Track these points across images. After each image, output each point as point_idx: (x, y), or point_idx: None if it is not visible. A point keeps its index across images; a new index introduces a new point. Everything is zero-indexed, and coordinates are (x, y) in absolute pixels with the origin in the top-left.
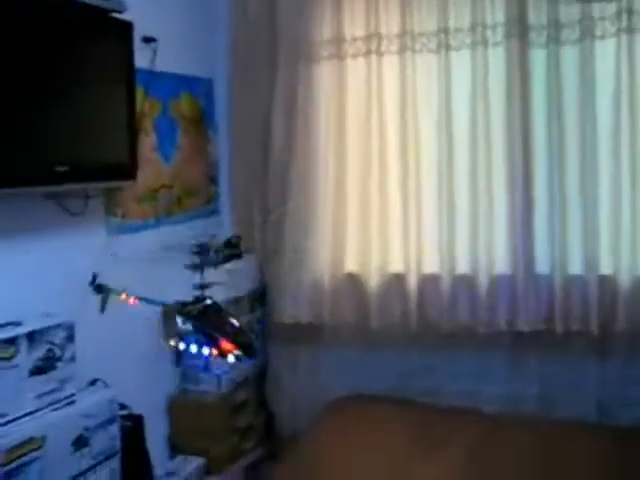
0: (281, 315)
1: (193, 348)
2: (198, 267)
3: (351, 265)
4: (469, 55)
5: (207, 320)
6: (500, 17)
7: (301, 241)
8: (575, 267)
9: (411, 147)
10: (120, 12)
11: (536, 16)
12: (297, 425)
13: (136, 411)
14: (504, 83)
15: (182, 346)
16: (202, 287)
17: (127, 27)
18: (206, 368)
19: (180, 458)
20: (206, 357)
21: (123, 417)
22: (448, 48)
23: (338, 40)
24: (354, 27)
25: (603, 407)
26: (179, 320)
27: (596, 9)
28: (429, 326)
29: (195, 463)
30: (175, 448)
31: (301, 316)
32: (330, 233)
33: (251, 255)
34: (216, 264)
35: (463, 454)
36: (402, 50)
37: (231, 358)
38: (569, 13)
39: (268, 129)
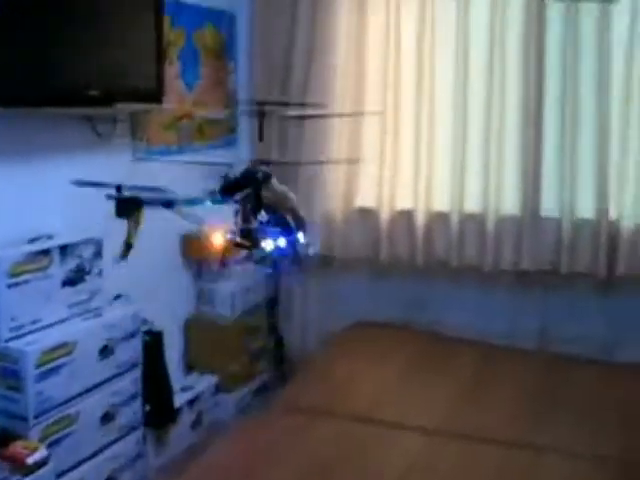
0: None
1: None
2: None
3: (363, 200)
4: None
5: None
6: None
7: (315, 173)
8: (584, 211)
9: (426, 84)
10: None
11: None
12: (307, 350)
13: (156, 327)
14: (521, 27)
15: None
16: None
17: None
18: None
19: (195, 375)
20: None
21: (144, 332)
22: None
23: None
24: None
25: (605, 346)
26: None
27: None
28: (436, 261)
29: (209, 381)
30: (190, 365)
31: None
32: (343, 167)
33: None
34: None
35: (462, 377)
36: None
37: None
38: None
39: (287, 66)
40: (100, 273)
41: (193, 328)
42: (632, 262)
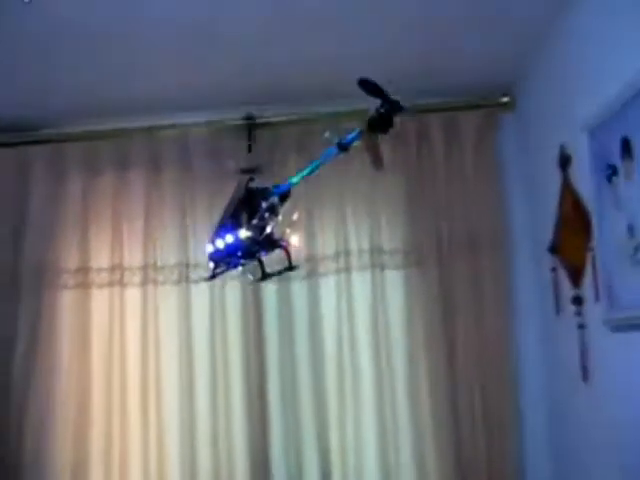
0: None
1: None
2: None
3: None
4: (207, 290)
5: None
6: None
7: None
8: None
9: (152, 381)
10: None
11: None
12: None
13: None
14: (240, 315)
15: None
16: None
17: None
18: None
19: None
20: None
21: None
22: (188, 281)
23: (84, 270)
24: (99, 258)
25: None
26: None
27: (319, 249)
28: None
29: None
30: None
31: None
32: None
33: None
34: None
35: None
36: (145, 282)
37: None
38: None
39: (7, 363)
40: None
41: None
42: None
